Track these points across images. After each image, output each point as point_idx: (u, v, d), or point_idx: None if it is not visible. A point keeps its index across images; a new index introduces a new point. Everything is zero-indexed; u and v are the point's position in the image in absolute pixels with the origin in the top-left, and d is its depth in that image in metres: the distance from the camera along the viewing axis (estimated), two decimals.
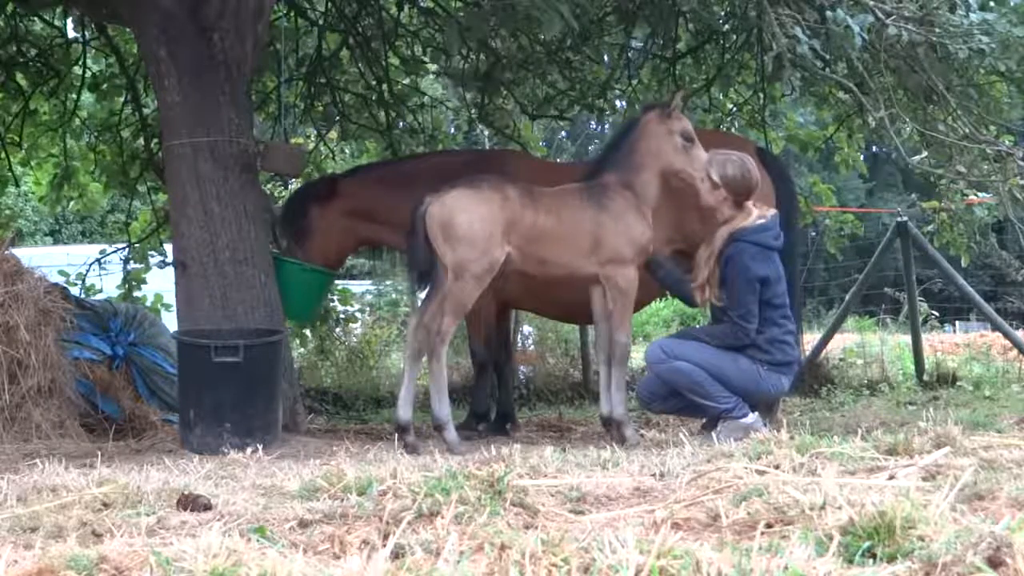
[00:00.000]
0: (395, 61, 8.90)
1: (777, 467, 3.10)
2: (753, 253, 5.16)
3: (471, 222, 5.15)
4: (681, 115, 5.47)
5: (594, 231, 5.30)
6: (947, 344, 12.17)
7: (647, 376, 5.65)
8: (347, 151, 10.32)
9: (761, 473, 2.99)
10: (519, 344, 9.30)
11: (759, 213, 5.27)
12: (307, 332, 9.49)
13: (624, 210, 5.34)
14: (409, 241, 5.37)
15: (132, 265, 8.80)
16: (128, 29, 7.65)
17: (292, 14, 8.37)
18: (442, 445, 5.17)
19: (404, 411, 5.27)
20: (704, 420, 5.41)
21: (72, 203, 10.02)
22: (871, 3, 5.35)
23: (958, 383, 8.42)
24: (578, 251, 5.32)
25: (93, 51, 8.84)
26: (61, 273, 8.53)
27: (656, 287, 5.89)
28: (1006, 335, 9.30)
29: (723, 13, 7.22)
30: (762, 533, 2.30)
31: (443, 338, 5.24)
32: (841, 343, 10.30)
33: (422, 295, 5.63)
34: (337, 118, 8.94)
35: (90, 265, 8.74)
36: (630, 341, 5.77)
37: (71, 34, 8.81)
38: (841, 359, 9.35)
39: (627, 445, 4.84)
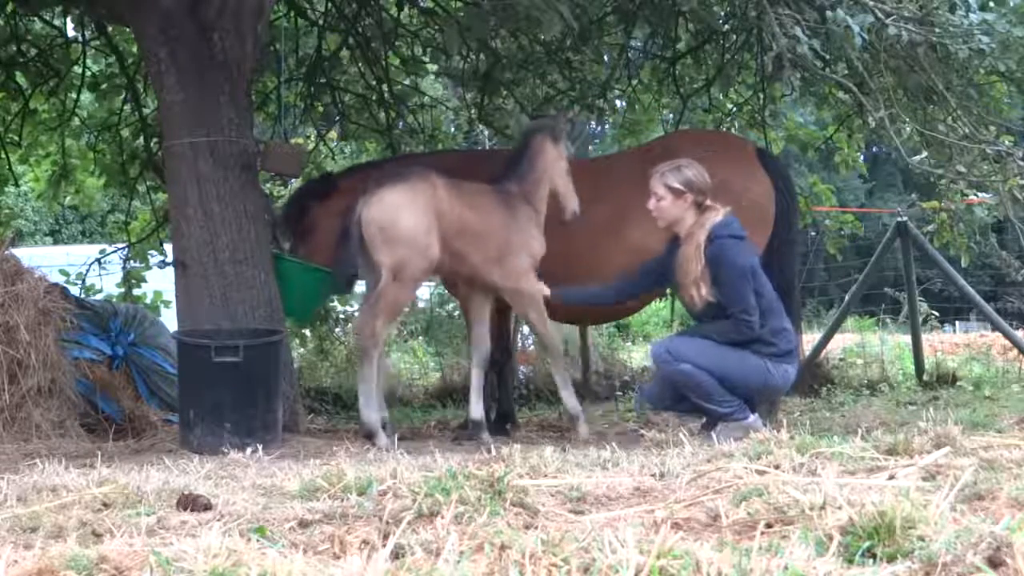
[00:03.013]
0: (395, 61, 8.90)
1: (777, 467, 3.10)
2: (732, 246, 5.14)
3: (413, 220, 5.14)
4: (565, 141, 5.74)
5: (504, 236, 5.41)
6: (947, 344, 12.14)
7: (650, 382, 5.71)
8: (347, 151, 10.31)
9: (761, 473, 2.99)
10: (519, 344, 9.29)
11: (721, 209, 5.25)
12: (307, 332, 9.48)
13: (528, 222, 5.50)
14: (342, 245, 5.32)
15: (131, 264, 8.79)
16: (128, 29, 7.64)
17: (292, 14, 8.37)
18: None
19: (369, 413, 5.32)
20: (704, 419, 5.40)
21: (69, 198, 10.01)
22: (871, 3, 5.34)
23: (958, 383, 8.40)
24: (486, 253, 5.40)
25: (93, 51, 8.83)
26: (61, 273, 8.52)
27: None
28: (1006, 335, 9.30)
29: (723, 13, 7.22)
30: (762, 533, 2.30)
31: (376, 341, 5.17)
32: (841, 343, 10.29)
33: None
34: (337, 118, 8.94)
35: (90, 265, 8.73)
36: (557, 338, 5.97)
37: (71, 34, 8.80)
38: (841, 359, 9.33)
39: (582, 438, 5.12)
